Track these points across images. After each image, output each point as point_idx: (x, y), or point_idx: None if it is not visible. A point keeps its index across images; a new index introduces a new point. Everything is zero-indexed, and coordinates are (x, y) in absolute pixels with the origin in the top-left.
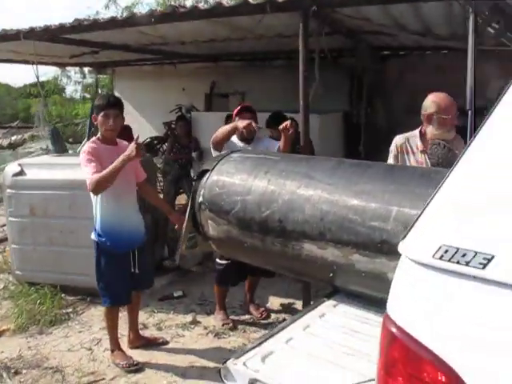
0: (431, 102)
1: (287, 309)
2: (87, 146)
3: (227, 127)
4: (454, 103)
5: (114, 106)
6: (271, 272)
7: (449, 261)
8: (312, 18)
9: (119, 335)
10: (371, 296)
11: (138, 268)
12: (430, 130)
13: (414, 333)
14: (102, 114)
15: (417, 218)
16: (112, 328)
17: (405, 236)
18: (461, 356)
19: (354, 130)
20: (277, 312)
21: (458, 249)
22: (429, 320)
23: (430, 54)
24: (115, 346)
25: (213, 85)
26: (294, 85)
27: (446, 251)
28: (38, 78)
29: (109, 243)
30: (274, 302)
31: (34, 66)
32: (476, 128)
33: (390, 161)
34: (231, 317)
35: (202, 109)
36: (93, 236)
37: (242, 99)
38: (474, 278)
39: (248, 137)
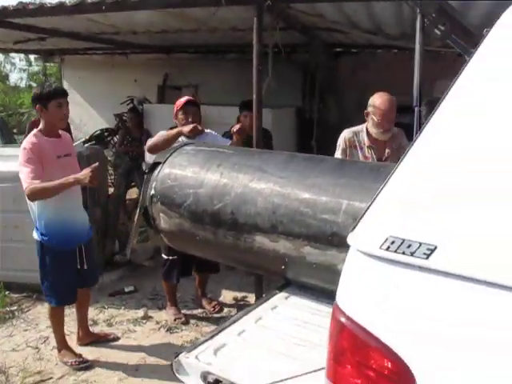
0: (372, 101)
1: (240, 302)
2: (28, 140)
3: (170, 134)
4: (391, 108)
5: (65, 94)
6: (217, 267)
7: (395, 251)
8: (266, 13)
9: (68, 332)
10: (322, 288)
11: (86, 265)
12: (369, 127)
13: (362, 322)
14: (53, 103)
15: (365, 211)
16: (58, 327)
17: (353, 228)
18: (407, 343)
19: (306, 125)
20: (230, 305)
21: (403, 240)
22: (376, 309)
23: (381, 52)
24: (62, 344)
25: (166, 77)
26: (247, 79)
27: (393, 242)
28: None
29: (53, 241)
30: (227, 296)
31: None
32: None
33: (338, 154)
34: (183, 311)
35: (154, 101)
36: (35, 235)
37: (196, 92)
38: (419, 267)
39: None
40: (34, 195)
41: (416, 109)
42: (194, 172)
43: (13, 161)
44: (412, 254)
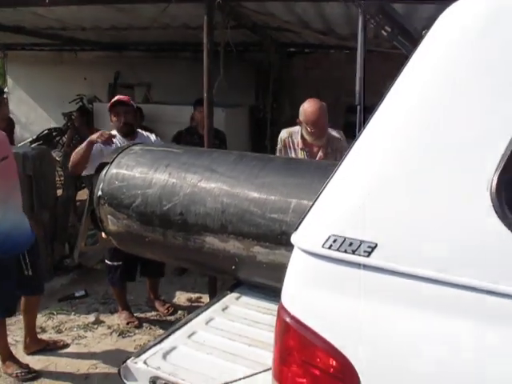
0: (302, 110)
1: (194, 303)
2: None
3: (82, 147)
4: (321, 116)
5: (1, 92)
6: (161, 272)
7: (337, 250)
8: (217, 11)
9: (13, 342)
10: (273, 287)
11: (31, 271)
12: (303, 133)
13: (307, 321)
14: None
15: (307, 210)
16: (1, 338)
17: (297, 227)
18: (351, 342)
19: (260, 125)
20: (184, 307)
21: (345, 238)
22: (320, 308)
23: (333, 52)
24: (6, 355)
25: (117, 75)
26: (200, 77)
27: (335, 241)
28: None
29: None
30: (181, 297)
31: None
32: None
33: (277, 154)
34: (136, 314)
35: (105, 99)
36: None
37: (148, 90)
38: (361, 265)
39: (126, 132)
40: None
41: (358, 107)
42: (141, 172)
43: None
44: (354, 252)
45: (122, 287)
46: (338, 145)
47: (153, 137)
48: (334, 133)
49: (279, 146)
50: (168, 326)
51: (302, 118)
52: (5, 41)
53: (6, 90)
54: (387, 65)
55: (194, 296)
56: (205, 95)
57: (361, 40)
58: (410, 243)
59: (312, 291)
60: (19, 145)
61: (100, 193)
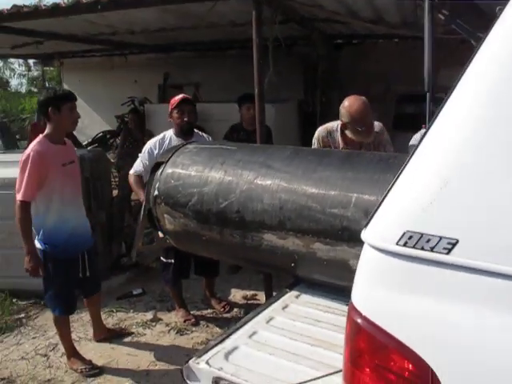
0: (345, 111)
1: (250, 301)
2: (33, 148)
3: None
4: (367, 112)
5: (75, 98)
6: (216, 271)
7: (413, 247)
8: (265, 6)
9: (76, 338)
10: (334, 284)
11: (89, 272)
12: (348, 134)
13: (380, 322)
14: (66, 105)
15: (378, 205)
16: (65, 335)
17: (367, 224)
18: (428, 344)
19: (309, 119)
20: (240, 305)
21: (422, 234)
22: (394, 308)
23: (382, 42)
24: (71, 351)
25: (166, 76)
26: (248, 74)
27: (410, 237)
28: None
29: (56, 249)
30: (237, 295)
31: None
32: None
33: None
34: (193, 312)
35: (155, 101)
36: (37, 244)
37: (197, 90)
38: (439, 263)
39: (187, 130)
40: (18, 213)
41: (428, 94)
42: (197, 170)
43: (15, 167)
44: (432, 249)
45: (176, 285)
46: (380, 138)
47: (206, 136)
48: (376, 126)
49: (316, 145)
50: (225, 324)
51: (346, 118)
52: (60, 50)
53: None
54: (438, 52)
55: (249, 293)
56: (256, 91)
57: (428, 24)
58: (494, 238)
59: (385, 291)
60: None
61: (156, 192)
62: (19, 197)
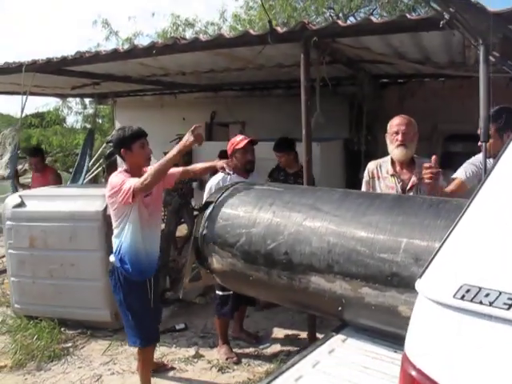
0: (388, 124)
1: (293, 340)
2: (121, 175)
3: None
4: (406, 123)
5: (145, 134)
6: (254, 300)
7: (471, 301)
8: (312, 48)
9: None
10: (382, 330)
11: (154, 298)
12: (389, 150)
13: (435, 376)
14: (137, 144)
15: (434, 255)
16: (146, 371)
17: (422, 274)
18: None
19: (354, 158)
20: (282, 344)
21: (480, 288)
22: (450, 363)
23: (428, 80)
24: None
25: (213, 114)
26: (293, 114)
27: (468, 291)
28: (22, 109)
29: (132, 271)
30: (279, 334)
31: (24, 96)
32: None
33: (363, 187)
34: (235, 350)
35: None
36: (112, 259)
37: (243, 128)
38: (499, 319)
39: (250, 168)
40: (150, 183)
41: (483, 144)
42: (246, 211)
43: (71, 200)
44: (491, 304)
45: (229, 318)
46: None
47: (259, 176)
48: (424, 159)
49: (366, 178)
50: (267, 364)
51: (387, 129)
52: (114, 89)
53: (114, 132)
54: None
55: (291, 333)
56: (303, 131)
57: (483, 75)
58: None
59: (441, 344)
60: None
61: (205, 231)
62: (134, 184)
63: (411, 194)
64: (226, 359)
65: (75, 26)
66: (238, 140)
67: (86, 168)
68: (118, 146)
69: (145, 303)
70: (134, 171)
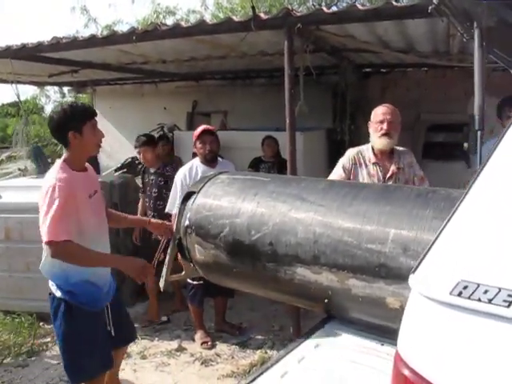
0: (372, 112)
1: (277, 332)
2: (57, 176)
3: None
4: (390, 113)
5: (96, 112)
6: (231, 292)
7: (469, 298)
8: (296, 36)
9: None
10: (369, 322)
11: (114, 323)
12: (371, 139)
13: (429, 376)
14: (88, 125)
15: (428, 249)
16: None
17: (415, 268)
18: None
19: (338, 147)
20: (266, 335)
21: (478, 285)
22: (446, 362)
23: (411, 70)
24: None
25: (195, 104)
26: (276, 103)
27: (465, 287)
28: (18, 96)
29: (85, 300)
30: (263, 325)
31: (13, 85)
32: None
33: (337, 172)
34: (218, 342)
35: (184, 128)
36: (58, 293)
37: (225, 117)
38: (498, 317)
39: (211, 159)
40: (70, 257)
41: (479, 132)
42: (229, 201)
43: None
44: (490, 301)
45: (201, 306)
46: (410, 159)
47: (230, 164)
48: (402, 149)
49: (347, 164)
50: (250, 356)
51: (371, 118)
52: (93, 77)
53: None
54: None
55: (275, 324)
56: (287, 120)
57: (478, 60)
58: None
59: (436, 342)
60: (104, 173)
61: (187, 222)
62: (59, 237)
63: (390, 182)
64: (201, 344)
65: (52, 13)
66: (197, 130)
67: None
68: (63, 130)
69: (100, 332)
70: (78, 163)
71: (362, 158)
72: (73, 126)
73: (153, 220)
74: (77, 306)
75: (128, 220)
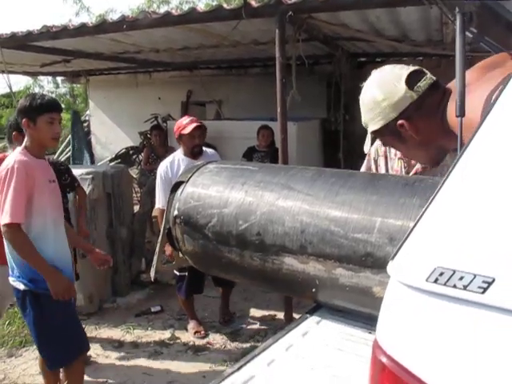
0: None
1: (269, 321)
2: (16, 158)
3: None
4: None
5: (59, 109)
6: (232, 283)
7: (444, 284)
8: (288, 24)
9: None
10: (356, 311)
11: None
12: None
13: (406, 363)
14: (43, 118)
15: (406, 236)
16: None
17: (394, 255)
18: None
19: (332, 137)
20: (259, 325)
21: (454, 271)
22: (422, 349)
23: (406, 60)
24: None
25: (189, 93)
26: (270, 93)
27: (441, 274)
28: (10, 87)
29: (43, 285)
30: (256, 314)
31: (5, 75)
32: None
33: (365, 163)
34: (211, 331)
35: (178, 118)
36: (20, 285)
37: (219, 107)
38: (473, 303)
39: (198, 152)
40: (13, 239)
41: (458, 119)
42: (217, 191)
43: None
44: (465, 288)
45: (186, 297)
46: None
47: (215, 153)
48: None
49: (373, 155)
50: (243, 345)
51: None
52: (87, 67)
53: (88, 112)
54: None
55: (268, 313)
56: (278, 109)
57: (460, 45)
58: None
59: (412, 329)
60: (99, 163)
61: (176, 212)
62: (8, 219)
63: None
64: (194, 333)
65: (45, 2)
66: (185, 124)
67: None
68: (20, 114)
69: (71, 317)
70: (36, 150)
71: (389, 151)
72: (28, 114)
73: (97, 250)
74: (43, 293)
75: (75, 239)
